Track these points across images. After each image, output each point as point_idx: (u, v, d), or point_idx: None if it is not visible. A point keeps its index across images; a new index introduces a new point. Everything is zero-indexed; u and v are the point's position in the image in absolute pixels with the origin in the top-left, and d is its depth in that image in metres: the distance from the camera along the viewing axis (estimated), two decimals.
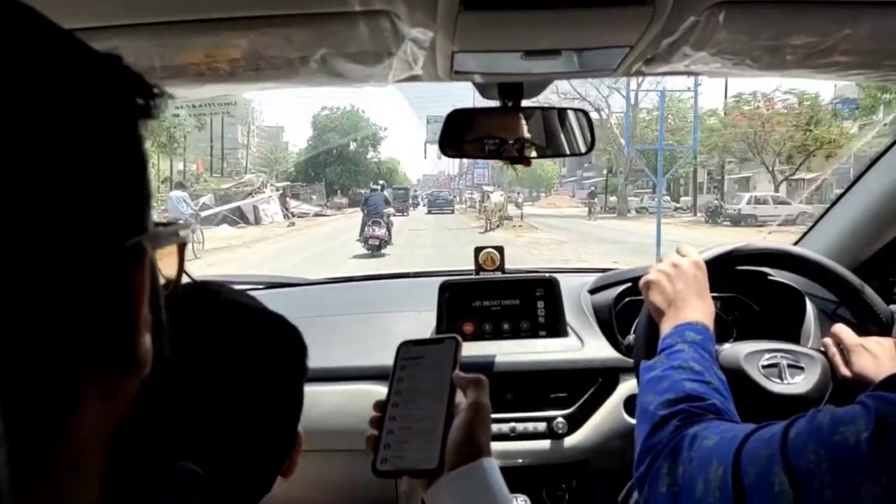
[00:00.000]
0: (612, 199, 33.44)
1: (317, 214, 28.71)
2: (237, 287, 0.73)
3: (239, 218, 21.61)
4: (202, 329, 0.63)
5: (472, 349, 1.41)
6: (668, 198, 31.05)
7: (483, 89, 1.15)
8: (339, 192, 40.04)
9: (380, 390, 1.32)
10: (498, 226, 20.81)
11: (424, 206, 38.26)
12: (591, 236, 18.10)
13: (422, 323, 1.52)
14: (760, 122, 23.96)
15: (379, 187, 15.01)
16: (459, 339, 0.82)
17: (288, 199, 26.99)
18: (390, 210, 14.32)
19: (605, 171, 41.64)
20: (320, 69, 0.89)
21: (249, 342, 0.65)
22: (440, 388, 0.78)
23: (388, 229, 13.48)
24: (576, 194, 45.67)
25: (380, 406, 0.80)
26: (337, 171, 41.71)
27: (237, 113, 35.53)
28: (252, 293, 0.74)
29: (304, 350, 0.71)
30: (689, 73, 0.99)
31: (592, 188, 34.10)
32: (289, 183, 33.03)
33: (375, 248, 12.76)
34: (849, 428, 0.50)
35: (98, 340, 0.29)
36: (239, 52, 0.84)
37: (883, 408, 0.48)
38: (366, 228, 12.98)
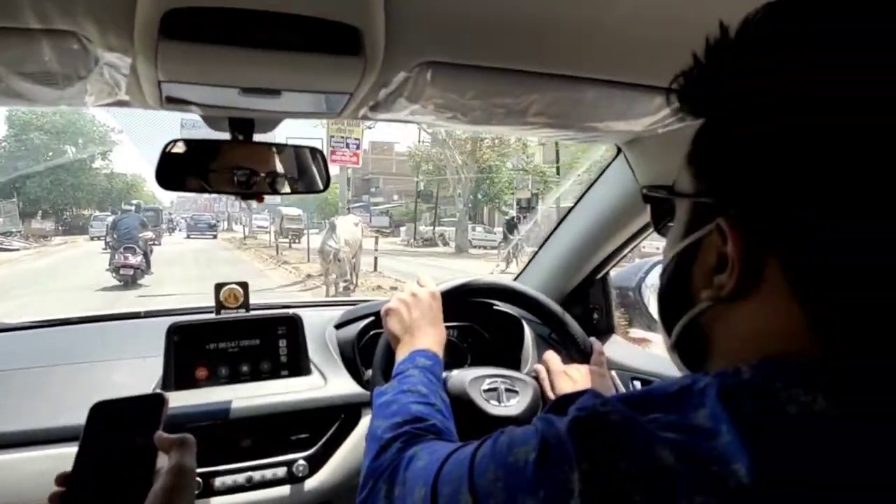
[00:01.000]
0: (423, 228, 28.37)
1: None
2: None
3: None
4: None
5: (205, 396, 1.31)
6: (477, 229, 26.21)
7: (210, 121, 1.09)
8: (42, 214, 28.71)
9: (69, 453, 1.15)
10: (347, 286, 10.37)
11: (182, 230, 32.78)
12: None
13: (147, 370, 1.37)
14: None
15: (132, 207, 13.13)
16: (165, 396, 0.75)
17: None
18: (148, 234, 12.33)
19: (395, 197, 36.45)
20: None
21: None
22: (139, 452, 0.70)
23: (146, 256, 11.77)
24: (372, 221, 39.79)
25: (63, 479, 0.69)
26: (45, 184, 29.61)
27: None
28: None
29: None
30: (410, 122, 1.05)
31: (386, 213, 29.54)
32: None
33: (130, 278, 11.00)
34: (521, 449, 0.52)
35: None
36: None
37: (547, 429, 0.51)
38: (116, 256, 11.11)
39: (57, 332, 1.63)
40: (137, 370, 1.37)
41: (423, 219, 30.94)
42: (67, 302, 9.59)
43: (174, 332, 1.36)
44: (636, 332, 1.88)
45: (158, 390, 1.32)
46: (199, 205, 53.42)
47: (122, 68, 0.76)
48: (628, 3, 0.71)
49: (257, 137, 1.12)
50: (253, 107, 0.95)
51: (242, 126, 1.09)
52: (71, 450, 1.16)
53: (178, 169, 1.12)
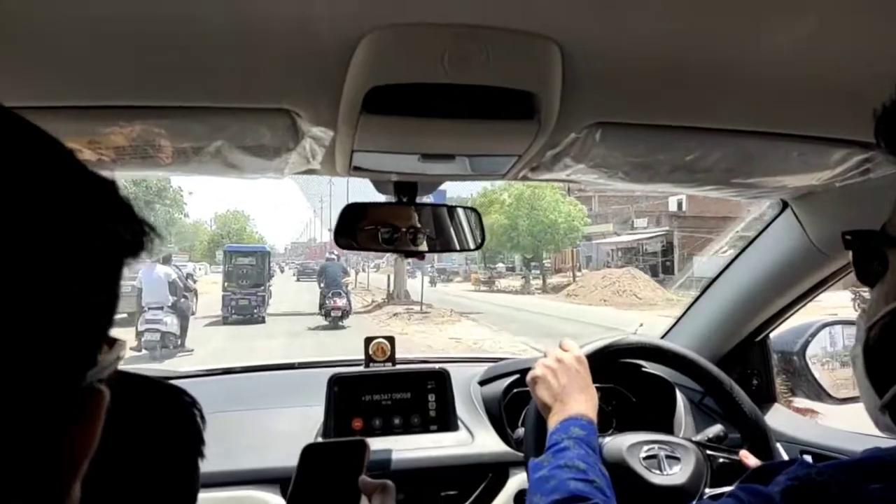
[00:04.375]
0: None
1: None
2: None
3: None
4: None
5: None
6: None
7: (378, 185, 1.18)
8: None
9: (261, 496, 1.22)
10: None
11: (284, 272, 35.16)
12: None
13: (308, 419, 1.44)
14: None
15: (335, 257, 14.79)
16: (367, 442, 0.79)
17: None
18: (348, 279, 14.10)
19: (641, 223, 23.79)
20: (213, 160, 0.87)
21: (143, 419, 0.58)
22: (345, 494, 0.75)
23: (349, 298, 13.49)
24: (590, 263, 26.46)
25: None
26: None
27: None
28: None
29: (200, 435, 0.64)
30: (569, 181, 1.07)
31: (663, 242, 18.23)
32: None
33: (338, 318, 12.64)
34: None
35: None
36: (125, 140, 0.81)
37: (753, 499, 0.50)
38: (326, 301, 12.88)
39: (222, 380, 1.77)
40: (299, 418, 1.45)
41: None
42: None
43: (335, 384, 1.44)
44: (801, 402, 1.72)
45: (319, 438, 1.39)
46: (312, 250, 56.63)
47: (324, 140, 0.85)
48: (808, 56, 0.69)
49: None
50: (426, 171, 1.02)
51: (407, 189, 1.16)
52: (242, 493, 1.25)
53: (342, 229, 1.20)
